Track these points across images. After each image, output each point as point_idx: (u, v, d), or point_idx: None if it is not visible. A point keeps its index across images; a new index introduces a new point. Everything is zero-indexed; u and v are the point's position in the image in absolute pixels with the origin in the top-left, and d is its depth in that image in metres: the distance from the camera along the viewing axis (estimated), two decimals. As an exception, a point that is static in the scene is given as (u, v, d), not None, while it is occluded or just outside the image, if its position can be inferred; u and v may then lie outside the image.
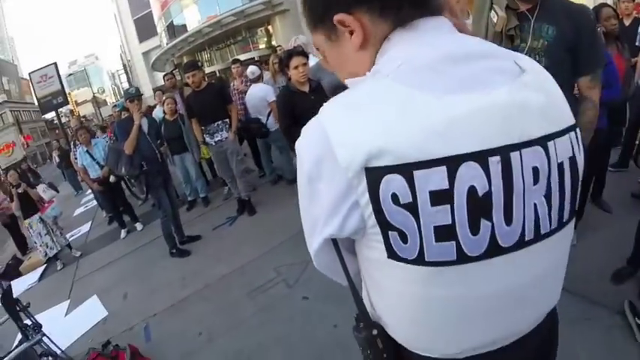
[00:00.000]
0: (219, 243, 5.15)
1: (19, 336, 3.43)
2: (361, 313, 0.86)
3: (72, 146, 7.40)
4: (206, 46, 28.06)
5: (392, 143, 0.63)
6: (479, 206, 0.65)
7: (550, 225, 0.72)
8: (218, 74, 17.25)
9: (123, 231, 6.83)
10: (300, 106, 3.49)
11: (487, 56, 0.71)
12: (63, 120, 41.19)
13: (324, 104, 0.73)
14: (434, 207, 0.64)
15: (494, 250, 0.68)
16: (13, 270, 7.34)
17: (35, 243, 6.59)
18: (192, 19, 26.85)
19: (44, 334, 3.33)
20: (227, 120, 5.16)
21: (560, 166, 0.70)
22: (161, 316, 3.94)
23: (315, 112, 0.74)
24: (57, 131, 45.64)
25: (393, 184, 0.63)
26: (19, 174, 6.79)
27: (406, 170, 0.63)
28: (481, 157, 0.63)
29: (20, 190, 6.34)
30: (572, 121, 0.75)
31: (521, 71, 0.71)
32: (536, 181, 0.68)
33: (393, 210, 0.65)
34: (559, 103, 0.74)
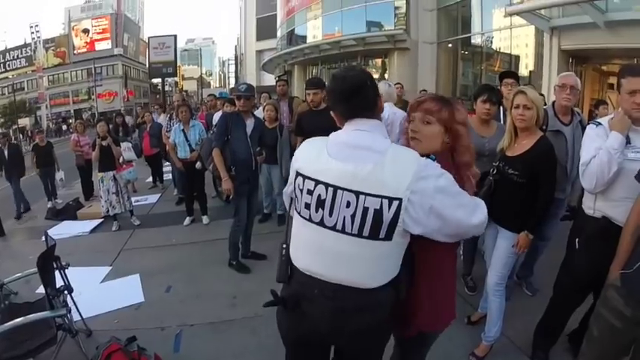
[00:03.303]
0: (283, 271, 4.57)
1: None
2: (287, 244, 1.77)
3: (168, 119, 7.38)
4: (319, 61, 28.19)
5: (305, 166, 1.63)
6: (319, 202, 1.54)
7: (352, 229, 1.49)
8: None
9: (188, 218, 6.52)
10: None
11: (366, 148, 1.51)
12: (166, 88, 43.57)
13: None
14: (307, 195, 1.57)
15: (321, 223, 1.55)
16: (71, 211, 7.45)
17: (101, 197, 6.56)
18: (313, 32, 27.24)
19: (69, 311, 3.03)
20: None
21: (366, 209, 1.46)
22: (198, 330, 3.55)
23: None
24: (157, 96, 48.37)
25: (299, 180, 1.61)
26: (108, 127, 6.80)
27: (302, 177, 1.60)
28: (327, 185, 1.52)
29: (104, 144, 6.36)
30: (397, 195, 1.44)
31: (382, 156, 1.48)
32: (347, 205, 1.48)
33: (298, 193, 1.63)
34: (388, 182, 1.45)
